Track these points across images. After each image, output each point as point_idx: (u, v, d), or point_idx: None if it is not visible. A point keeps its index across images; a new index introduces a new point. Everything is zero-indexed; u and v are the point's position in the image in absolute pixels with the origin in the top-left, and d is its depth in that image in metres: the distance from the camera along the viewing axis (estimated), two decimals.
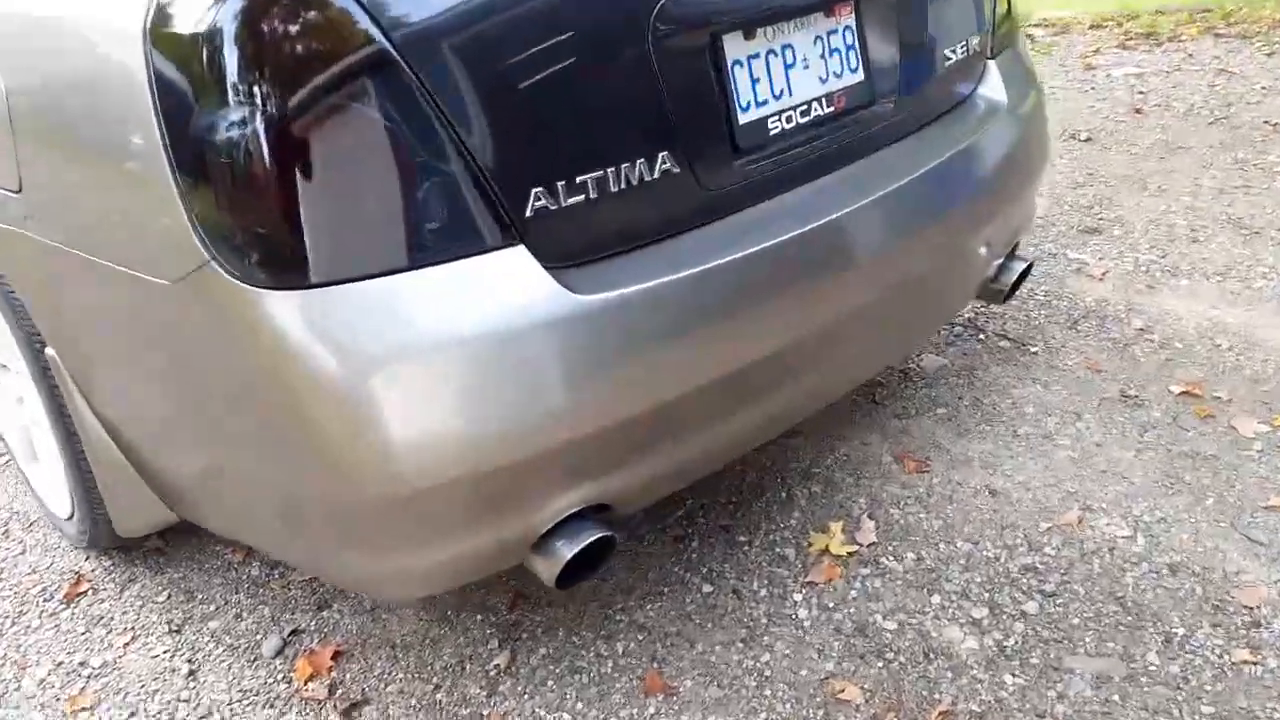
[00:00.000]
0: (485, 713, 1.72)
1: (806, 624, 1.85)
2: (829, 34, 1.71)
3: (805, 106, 1.67)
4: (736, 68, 1.56)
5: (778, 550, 2.02)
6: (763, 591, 1.93)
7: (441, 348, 1.28)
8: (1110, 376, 2.50)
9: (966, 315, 2.83)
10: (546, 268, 1.35)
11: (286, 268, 1.22)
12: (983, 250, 2.08)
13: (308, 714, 1.73)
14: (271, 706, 1.75)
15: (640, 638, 1.84)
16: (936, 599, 1.88)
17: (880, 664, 1.75)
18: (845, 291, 1.71)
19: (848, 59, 1.74)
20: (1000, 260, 2.18)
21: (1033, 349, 2.65)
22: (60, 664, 1.88)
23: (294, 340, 1.24)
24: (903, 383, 2.54)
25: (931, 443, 2.30)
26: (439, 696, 1.75)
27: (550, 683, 1.76)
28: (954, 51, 1.94)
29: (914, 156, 1.84)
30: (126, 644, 1.91)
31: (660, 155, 1.45)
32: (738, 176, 1.58)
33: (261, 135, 1.17)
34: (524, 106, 1.32)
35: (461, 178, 1.27)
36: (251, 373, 1.29)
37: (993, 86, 2.07)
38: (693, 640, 1.83)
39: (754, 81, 1.59)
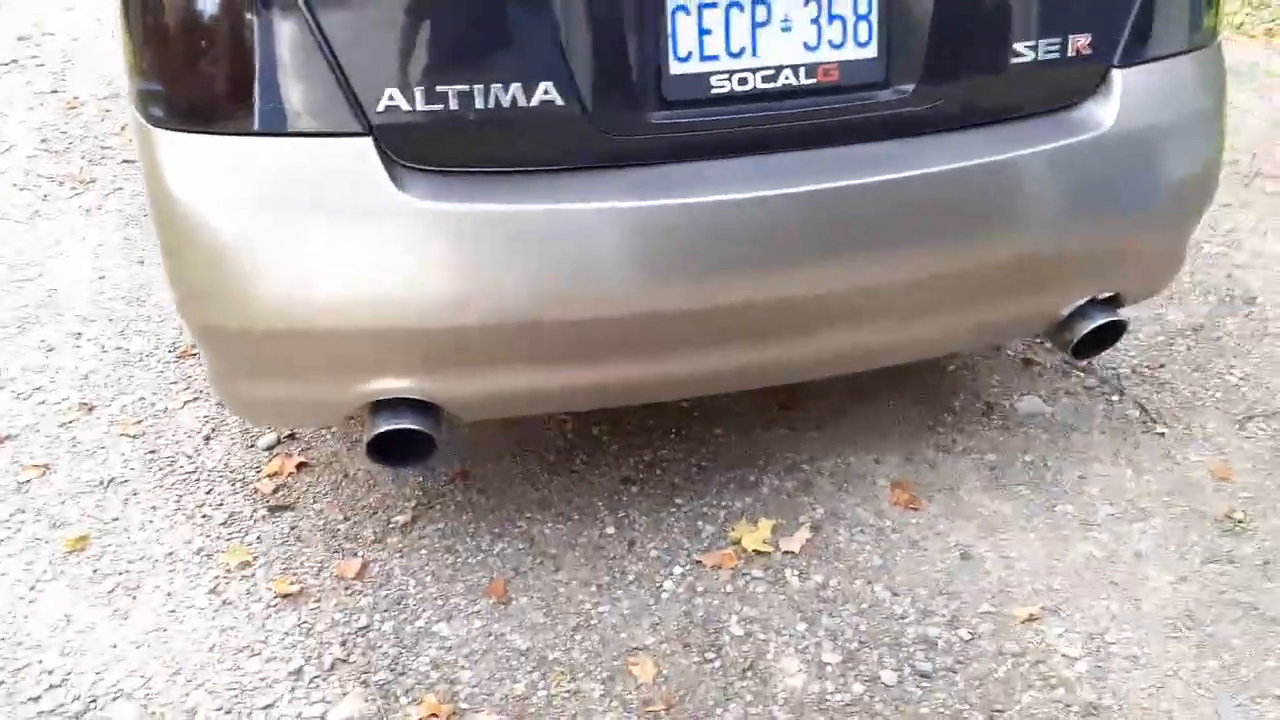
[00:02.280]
0: (360, 553, 1.92)
1: (664, 596, 1.82)
2: None
3: (772, 72, 1.55)
4: (680, 13, 1.49)
5: (698, 523, 1.97)
6: (654, 553, 1.91)
7: (273, 209, 1.44)
8: (1232, 493, 2.04)
9: (1116, 368, 2.41)
10: (400, 165, 1.44)
11: (166, 113, 1.45)
12: (1039, 287, 1.80)
13: (247, 499, 2.05)
14: (233, 483, 2.09)
15: (521, 547, 1.93)
16: (803, 627, 1.75)
17: (697, 659, 1.70)
18: (779, 278, 1.60)
19: (855, 29, 1.57)
20: (1075, 306, 1.86)
21: (1161, 430, 2.22)
22: (141, 399, 2.36)
23: (168, 175, 1.47)
24: (979, 415, 2.27)
25: (949, 486, 2.06)
26: (340, 526, 1.99)
27: (424, 552, 1.92)
28: (1035, 49, 1.64)
29: (922, 156, 1.63)
30: (184, 404, 2.34)
31: (542, 85, 1.45)
32: (662, 129, 1.53)
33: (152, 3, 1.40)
34: (390, 7, 1.40)
35: (314, 61, 1.39)
36: (151, 199, 1.54)
37: (1108, 103, 1.72)
38: (560, 567, 1.88)
39: (702, 32, 1.51)
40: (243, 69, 1.41)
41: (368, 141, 1.43)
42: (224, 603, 1.82)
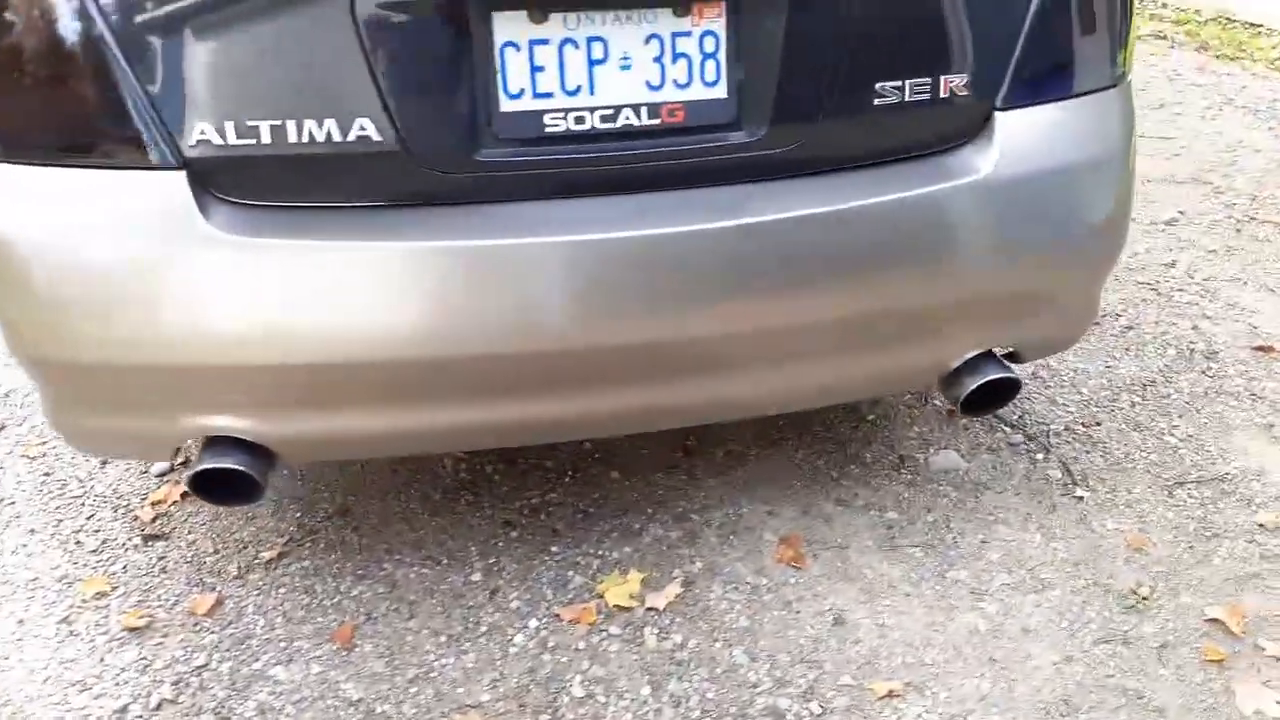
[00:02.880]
0: (219, 589, 1.88)
1: (512, 650, 1.74)
2: (676, 36, 1.48)
3: (611, 111, 1.48)
4: (509, 49, 1.43)
5: (569, 573, 1.90)
6: (515, 603, 1.84)
7: (85, 243, 1.41)
8: (1144, 566, 1.91)
9: (1047, 425, 2.28)
10: (216, 199, 1.40)
11: None
12: (919, 339, 1.70)
13: (125, 527, 2.03)
14: (115, 509, 2.07)
15: (380, 591, 1.87)
16: (647, 691, 1.67)
17: (539, 717, 1.62)
18: (620, 324, 1.53)
19: (702, 68, 1.50)
20: (964, 360, 1.75)
21: (1081, 494, 2.08)
22: None
23: None
24: (889, 468, 2.16)
25: (839, 544, 1.96)
26: (208, 559, 1.95)
27: (282, 590, 1.88)
28: (900, 90, 1.55)
29: (777, 201, 1.55)
30: None
31: (358, 122, 1.41)
32: (493, 167, 1.47)
33: None
34: (199, 40, 1.37)
35: (123, 95, 1.35)
36: None
37: (989, 148, 1.62)
38: (414, 614, 1.82)
39: (534, 69, 1.45)
40: (54, 101, 1.39)
41: (180, 176, 1.39)
42: (71, 633, 1.79)
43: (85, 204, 1.41)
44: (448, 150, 1.45)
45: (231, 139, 1.39)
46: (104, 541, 2.00)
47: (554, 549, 1.96)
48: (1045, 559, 1.92)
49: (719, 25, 1.49)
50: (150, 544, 1.99)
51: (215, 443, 1.56)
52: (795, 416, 2.29)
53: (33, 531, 2.03)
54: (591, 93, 1.47)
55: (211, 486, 1.56)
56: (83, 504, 2.10)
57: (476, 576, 1.90)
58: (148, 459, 1.65)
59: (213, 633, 1.79)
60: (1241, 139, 4.04)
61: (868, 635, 1.77)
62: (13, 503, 2.10)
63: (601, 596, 1.84)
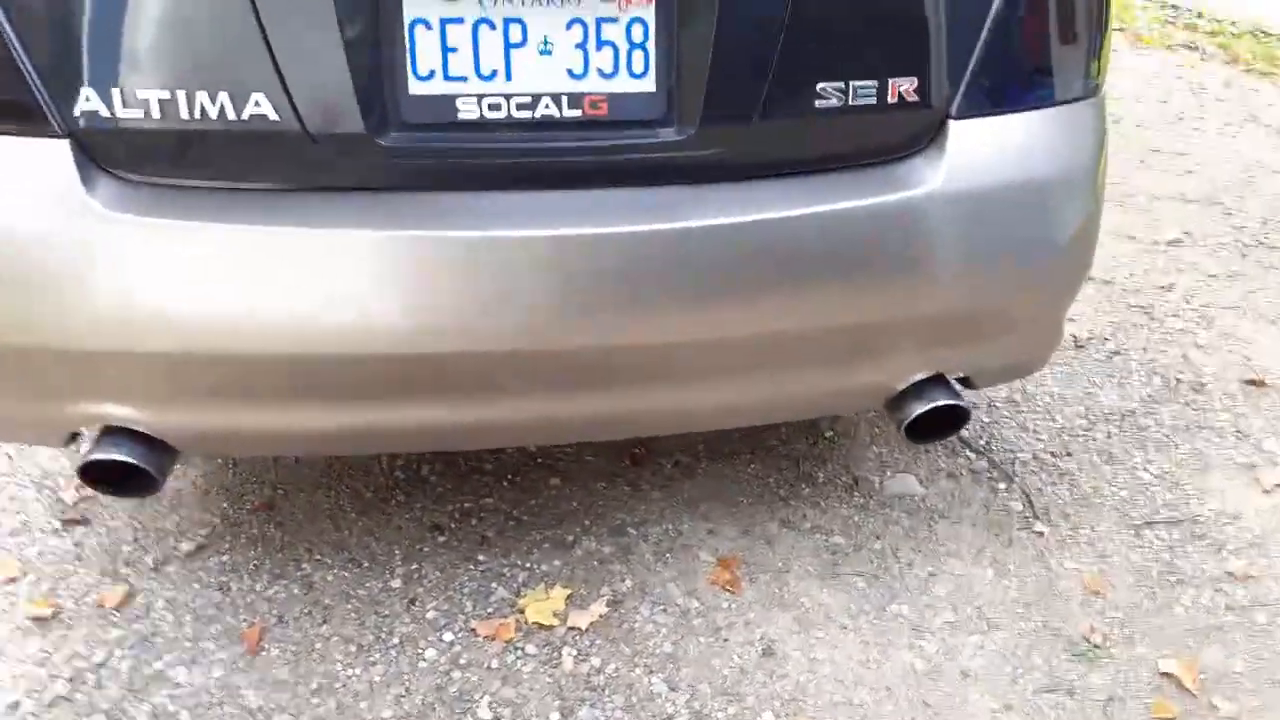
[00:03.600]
0: (131, 581, 1.82)
1: (422, 665, 1.67)
2: (602, 22, 1.38)
3: (529, 99, 1.38)
4: (419, 27, 1.34)
5: (492, 584, 1.82)
6: (432, 614, 1.77)
7: None
8: (1100, 610, 1.81)
9: (1015, 452, 2.17)
10: (103, 173, 1.33)
11: None
12: (859, 358, 1.61)
13: (47, 509, 1.97)
14: (40, 490, 2.01)
15: (296, 593, 1.80)
16: (556, 717, 1.59)
17: None
18: (525, 328, 1.43)
19: (629, 59, 1.40)
20: (910, 382, 1.65)
21: (1042, 529, 1.98)
22: None
23: None
24: (841, 490, 2.06)
25: (779, 568, 1.87)
26: (125, 549, 1.89)
27: (196, 586, 1.81)
28: (844, 93, 1.45)
29: (705, 206, 1.45)
30: None
31: (253, 98, 1.32)
32: (398, 153, 1.37)
33: None
34: (88, 1, 1.29)
35: (5, 58, 1.28)
36: None
37: (939, 158, 1.51)
38: (327, 620, 1.75)
39: (446, 50, 1.35)
40: None
41: (64, 145, 1.31)
42: None
43: None
44: (350, 133, 1.35)
45: (119, 110, 1.30)
46: (24, 523, 1.94)
47: (480, 558, 1.88)
48: (994, 597, 1.83)
49: (649, 13, 1.39)
50: (69, 529, 1.93)
51: (111, 432, 1.49)
52: (750, 430, 2.20)
53: None
54: (508, 78, 1.38)
55: (109, 476, 1.49)
56: (8, 482, 2.04)
57: (396, 583, 1.83)
58: (43, 444, 1.57)
59: (119, 628, 1.73)
60: (1260, 159, 3.89)
61: (796, 669, 1.68)
62: None
63: (522, 612, 1.76)
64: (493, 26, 1.36)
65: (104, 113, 1.30)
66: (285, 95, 1.31)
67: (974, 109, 1.51)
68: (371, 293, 1.38)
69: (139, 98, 1.30)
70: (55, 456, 2.10)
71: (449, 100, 1.37)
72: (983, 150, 1.52)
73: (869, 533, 1.96)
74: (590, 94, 1.40)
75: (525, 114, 1.39)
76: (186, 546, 1.89)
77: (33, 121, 1.30)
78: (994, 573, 1.88)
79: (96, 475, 1.49)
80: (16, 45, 1.27)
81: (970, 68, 1.49)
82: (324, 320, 1.38)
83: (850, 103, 1.45)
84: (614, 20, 1.39)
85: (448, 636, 1.72)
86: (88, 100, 1.30)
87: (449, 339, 1.41)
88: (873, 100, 1.46)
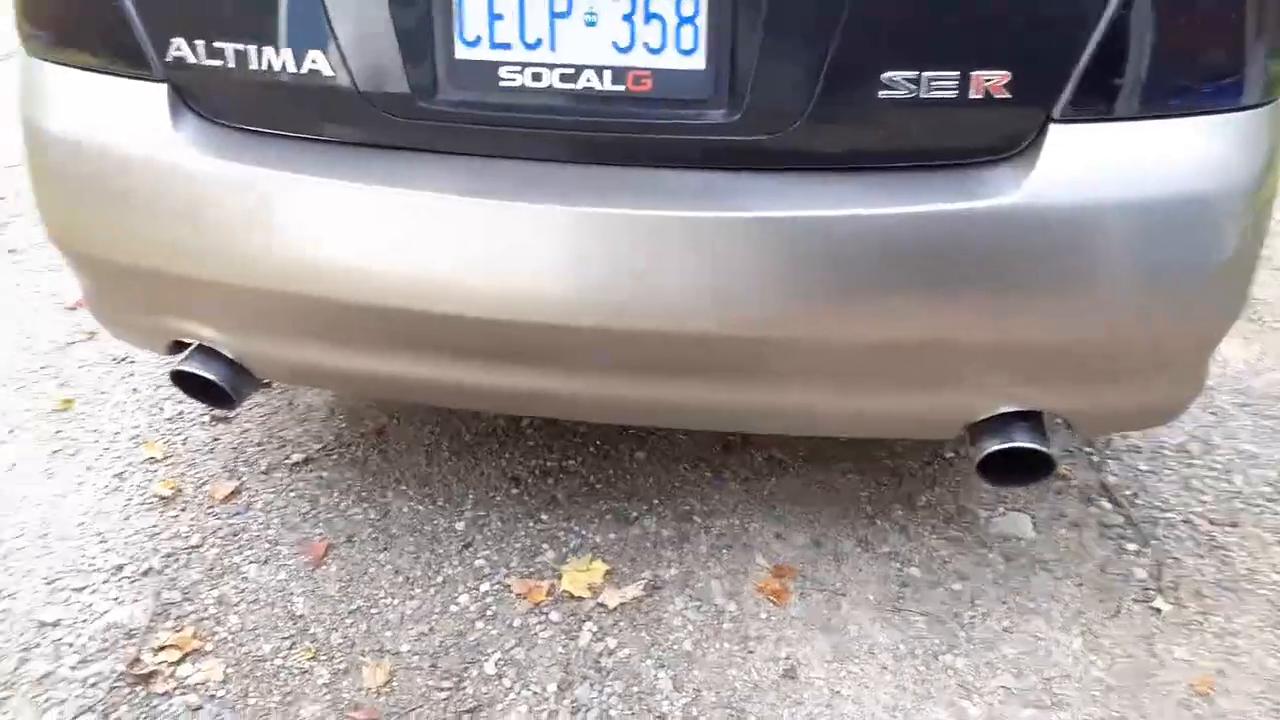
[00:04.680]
0: (242, 479, 2.02)
1: (452, 609, 1.73)
2: None
3: (572, 71, 1.35)
4: None
5: (543, 545, 1.85)
6: (479, 561, 1.82)
7: (82, 143, 1.51)
8: (1199, 716, 1.54)
9: (1167, 510, 1.87)
10: (193, 115, 1.46)
11: (29, 38, 1.56)
12: (926, 381, 1.46)
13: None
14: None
15: (372, 517, 1.92)
16: (553, 689, 1.59)
17: (431, 683, 1.61)
18: (553, 301, 1.42)
19: (678, 34, 1.32)
20: (990, 415, 1.48)
21: (1162, 605, 1.71)
22: None
23: (23, 96, 1.59)
24: (939, 518, 1.88)
25: (837, 589, 1.75)
26: (249, 450, 2.09)
27: (292, 495, 1.98)
28: (915, 82, 1.27)
29: (752, 195, 1.35)
30: None
31: (310, 54, 1.39)
32: (442, 115, 1.39)
33: None
34: None
35: (116, 10, 1.43)
36: None
37: (1030, 166, 1.30)
38: (388, 547, 1.86)
39: (493, 16, 1.35)
40: (76, 9, 1.49)
41: (161, 88, 1.45)
42: (117, 488, 2.00)
43: (86, 107, 1.50)
44: (397, 93, 1.38)
45: (202, 58, 1.42)
46: (180, 413, 2.20)
47: (543, 517, 1.91)
48: (1073, 671, 1.60)
49: None
50: (214, 424, 2.17)
51: (202, 349, 1.65)
52: (861, 440, 2.05)
53: (135, 391, 2.28)
54: (552, 48, 1.35)
55: (193, 386, 1.65)
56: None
57: (460, 525, 1.90)
58: (151, 350, 1.76)
59: (218, 518, 1.93)
60: None
61: (814, 699, 1.57)
62: (132, 362, 2.37)
63: (560, 578, 1.77)
64: None
65: (190, 60, 1.42)
66: (339, 54, 1.36)
67: (1084, 112, 1.29)
68: (401, 249, 1.42)
69: (217, 48, 1.40)
70: None
71: (493, 67, 1.36)
72: (1089, 161, 1.29)
73: (952, 570, 1.78)
74: (635, 69, 1.34)
75: (567, 85, 1.35)
76: (296, 457, 2.07)
77: (137, 66, 1.44)
78: (1082, 644, 1.65)
79: (183, 383, 1.66)
80: (130, 6, 1.41)
81: (1082, 62, 1.26)
82: (352, 269, 1.44)
83: (922, 95, 1.28)
84: None
85: (485, 586, 1.77)
86: (178, 49, 1.42)
87: (466, 302, 1.42)
88: (951, 94, 1.28)
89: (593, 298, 1.40)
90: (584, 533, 1.87)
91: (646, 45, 1.33)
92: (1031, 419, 1.48)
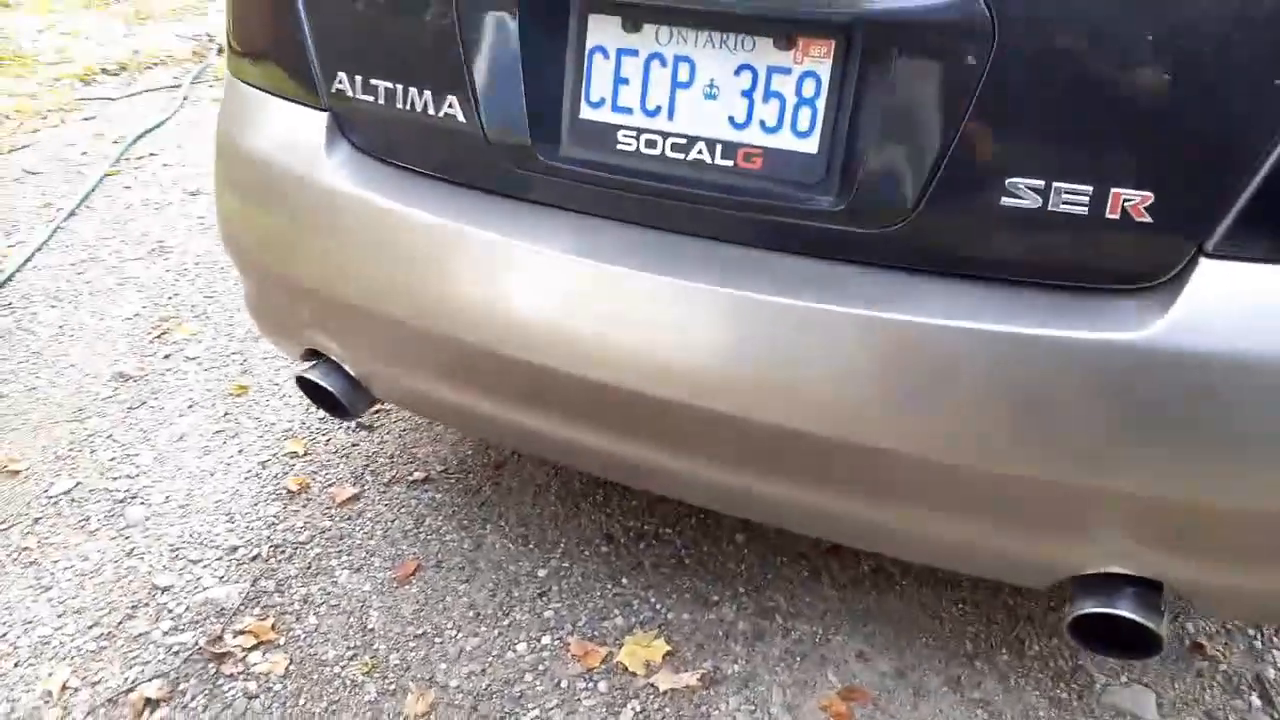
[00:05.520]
0: (364, 488, 2.12)
1: (509, 656, 1.72)
2: (773, 72, 1.28)
3: (685, 141, 1.34)
4: (598, 55, 1.36)
5: (614, 610, 1.81)
6: (548, 613, 1.81)
7: (246, 153, 1.66)
8: None
9: None
10: (348, 145, 1.57)
11: (229, 60, 1.74)
12: (1020, 522, 1.31)
13: None
14: None
15: (466, 547, 1.96)
16: None
17: None
18: (638, 370, 1.40)
19: (795, 115, 1.28)
20: (1090, 573, 1.31)
21: None
22: None
23: (220, 113, 1.77)
24: (1048, 675, 1.67)
25: None
26: (379, 461, 2.20)
27: (404, 511, 2.05)
28: (1044, 194, 1.15)
29: (851, 290, 1.27)
30: None
31: (448, 98, 1.45)
32: (559, 172, 1.42)
33: None
34: (350, 5, 1.51)
35: (295, 38, 1.56)
36: None
37: (1169, 299, 1.14)
38: (471, 579, 1.88)
39: (618, 80, 1.36)
40: (259, 35, 1.65)
41: (324, 116, 1.57)
42: (257, 476, 2.16)
43: (266, 122, 1.65)
44: (520, 145, 1.42)
45: (359, 92, 1.52)
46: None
47: (624, 581, 1.87)
48: None
49: (824, 68, 1.24)
50: (358, 431, 2.30)
51: (330, 360, 1.75)
52: None
53: None
54: (670, 117, 1.34)
55: (316, 394, 1.75)
56: None
57: (542, 572, 1.89)
58: (289, 356, 1.87)
59: (331, 520, 2.03)
60: None
61: None
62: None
63: (620, 647, 1.72)
64: (664, 63, 1.32)
65: (349, 93, 1.52)
66: (472, 102, 1.41)
67: (1246, 249, 1.11)
68: (502, 296, 1.44)
69: (372, 85, 1.50)
70: None
71: (613, 130, 1.37)
72: (1240, 304, 1.12)
73: None
74: (746, 145, 1.30)
75: (678, 155, 1.34)
76: (418, 475, 2.15)
77: (308, 93, 1.57)
78: None
79: (306, 389, 1.76)
80: (309, 40, 1.54)
81: (1251, 188, 1.09)
82: (464, 309, 1.47)
83: (1049, 207, 1.16)
84: (787, 71, 1.27)
85: (545, 640, 1.75)
86: (340, 82, 1.53)
87: (554, 355, 1.42)
88: (1082, 210, 1.15)
89: (667, 368, 1.36)
90: (659, 606, 1.81)
91: (762, 123, 1.29)
92: (1144, 586, 1.29)
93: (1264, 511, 1.19)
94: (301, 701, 1.65)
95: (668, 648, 1.72)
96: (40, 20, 6.03)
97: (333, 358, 1.73)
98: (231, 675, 1.69)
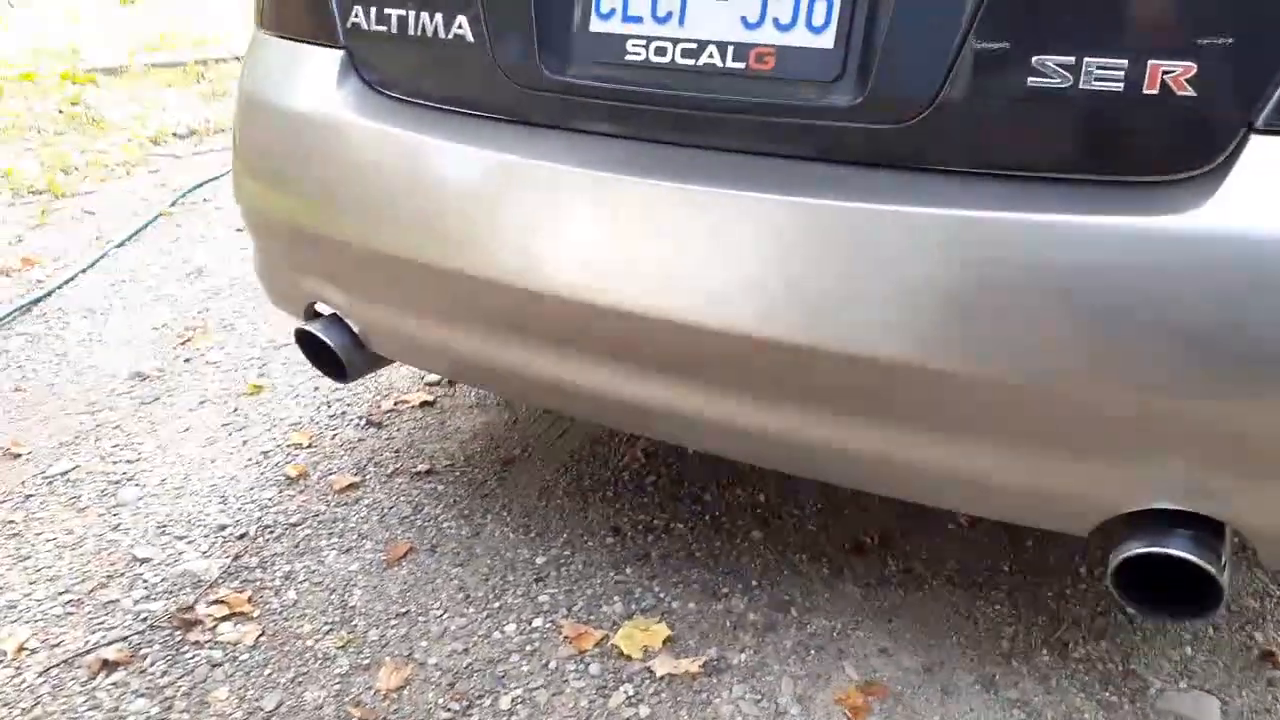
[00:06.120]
0: (367, 478, 2.02)
1: (496, 636, 1.58)
2: None
3: (695, 46, 1.27)
4: None
5: (615, 598, 1.66)
6: (543, 597, 1.67)
7: (261, 100, 1.63)
8: None
9: None
10: (361, 81, 1.53)
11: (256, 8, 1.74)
12: (1059, 451, 1.17)
13: (368, 406, 2.28)
14: (378, 392, 2.34)
15: (464, 534, 1.83)
16: None
17: (439, 700, 1.47)
18: (654, 289, 1.30)
19: (810, 10, 1.20)
20: (1136, 510, 1.15)
21: None
22: None
23: (245, 59, 1.75)
24: (1095, 676, 1.47)
25: None
26: (386, 455, 2.10)
27: (402, 499, 1.94)
28: (1074, 71, 1.05)
29: (858, 187, 1.17)
30: None
31: (458, 19, 1.41)
32: (569, 87, 1.35)
33: None
34: None
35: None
36: None
37: (1218, 182, 1.02)
38: (466, 564, 1.75)
39: None
40: None
41: (338, 54, 1.53)
42: (258, 464, 2.08)
43: (285, 67, 1.62)
44: (528, 62, 1.36)
45: (373, 24, 1.49)
46: (343, 414, 2.27)
47: (628, 570, 1.72)
48: None
49: None
50: (367, 427, 2.21)
51: (330, 316, 1.68)
52: (1024, 562, 1.68)
53: (317, 389, 2.38)
54: (681, 23, 1.27)
55: (315, 349, 1.67)
56: (357, 385, 2.39)
57: (541, 559, 1.76)
58: (293, 314, 1.80)
59: (327, 505, 1.93)
60: None
61: None
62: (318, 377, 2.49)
63: (616, 630, 1.57)
64: None
65: (364, 26, 1.50)
66: (482, 18, 1.37)
67: None
68: (511, 220, 1.36)
69: (385, 14, 1.47)
70: (413, 375, 2.42)
71: (620, 40, 1.31)
72: None
73: None
74: (758, 45, 1.22)
75: (687, 61, 1.27)
76: (421, 467, 2.04)
77: (326, 33, 1.55)
78: None
79: (305, 344, 1.69)
80: None
81: None
82: (473, 238, 1.39)
83: (1081, 86, 1.05)
84: None
85: (537, 622, 1.61)
86: (356, 15, 1.51)
87: (580, 283, 1.32)
88: (1118, 87, 1.04)
89: (681, 284, 1.26)
90: (663, 595, 1.66)
91: (776, 21, 1.22)
92: (1199, 526, 1.12)
93: None
94: (267, 671, 1.52)
95: (669, 633, 1.56)
96: (125, 94, 6.33)
97: (336, 312, 1.66)
98: (197, 643, 1.57)
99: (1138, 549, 1.11)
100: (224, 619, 1.62)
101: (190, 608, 1.64)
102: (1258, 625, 1.56)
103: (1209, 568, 1.08)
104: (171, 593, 1.68)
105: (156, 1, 9.85)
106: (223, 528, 1.86)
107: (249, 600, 1.66)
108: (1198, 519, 1.13)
